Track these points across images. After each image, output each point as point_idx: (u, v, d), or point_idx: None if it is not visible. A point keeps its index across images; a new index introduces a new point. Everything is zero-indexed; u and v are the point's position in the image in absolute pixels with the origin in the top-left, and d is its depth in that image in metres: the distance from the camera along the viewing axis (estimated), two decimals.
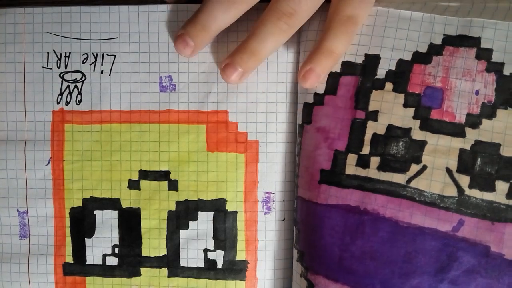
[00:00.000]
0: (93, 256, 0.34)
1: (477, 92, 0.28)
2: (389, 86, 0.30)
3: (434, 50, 0.29)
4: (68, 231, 0.34)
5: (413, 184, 0.29)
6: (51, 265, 0.34)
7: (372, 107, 0.30)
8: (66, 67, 0.33)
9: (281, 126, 0.33)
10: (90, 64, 0.33)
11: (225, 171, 0.33)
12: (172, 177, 0.33)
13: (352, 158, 0.30)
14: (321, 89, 0.31)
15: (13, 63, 0.33)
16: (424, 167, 0.29)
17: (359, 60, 0.30)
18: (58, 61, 0.33)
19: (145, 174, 0.33)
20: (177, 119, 0.33)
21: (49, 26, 0.33)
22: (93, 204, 0.34)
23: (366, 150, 0.29)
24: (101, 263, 0.34)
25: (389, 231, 0.29)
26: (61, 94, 0.33)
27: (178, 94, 0.33)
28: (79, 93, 0.33)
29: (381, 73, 0.30)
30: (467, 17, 0.29)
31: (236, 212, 0.33)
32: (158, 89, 0.33)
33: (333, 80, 0.31)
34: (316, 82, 0.30)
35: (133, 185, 0.33)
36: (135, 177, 0.33)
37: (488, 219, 0.28)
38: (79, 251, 0.34)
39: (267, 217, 0.33)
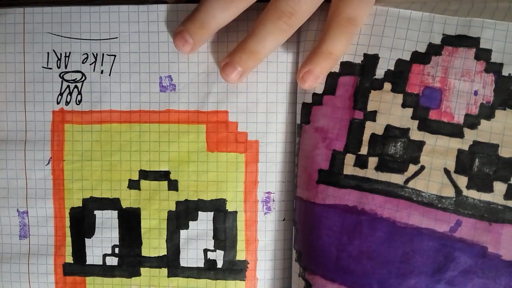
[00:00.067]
0: (93, 256, 0.34)
1: (475, 93, 0.28)
2: (387, 86, 0.30)
3: (433, 50, 0.29)
4: (68, 231, 0.34)
5: (411, 184, 0.29)
6: (51, 265, 0.34)
7: (370, 107, 0.30)
8: (66, 67, 0.33)
9: (281, 126, 0.33)
10: (90, 64, 0.33)
11: (225, 171, 0.33)
12: (172, 177, 0.33)
13: (350, 158, 0.30)
14: (319, 89, 0.31)
15: (13, 63, 0.33)
16: (422, 168, 0.29)
17: (358, 60, 0.30)
18: (58, 61, 0.33)
19: (145, 174, 0.33)
20: (177, 119, 0.33)
21: (49, 26, 0.33)
22: (93, 204, 0.34)
23: (364, 150, 0.30)
24: (101, 263, 0.34)
25: (386, 231, 0.29)
26: (61, 94, 0.33)
27: (178, 94, 0.33)
28: (79, 93, 0.33)
29: (379, 73, 0.30)
30: (467, 17, 0.29)
31: (236, 212, 0.33)
32: (158, 89, 0.33)
33: (332, 80, 0.31)
34: (315, 83, 0.30)
35: (133, 185, 0.33)
36: (135, 177, 0.33)
37: (485, 219, 0.28)
38: (79, 251, 0.34)
39: (267, 217, 0.33)
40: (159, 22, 0.33)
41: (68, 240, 0.34)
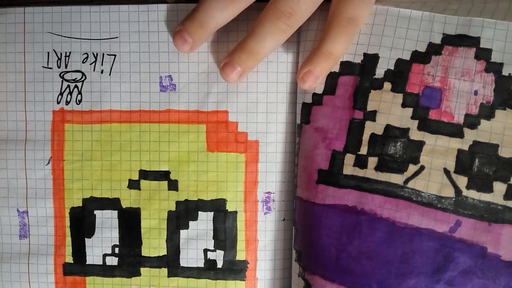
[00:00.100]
0: (93, 256, 0.34)
1: (475, 93, 0.28)
2: (387, 86, 0.30)
3: (433, 49, 0.29)
4: (68, 231, 0.34)
5: (410, 184, 0.29)
6: (51, 265, 0.34)
7: (370, 107, 0.30)
8: (66, 67, 0.33)
9: (281, 126, 0.33)
10: (90, 64, 0.33)
11: (225, 171, 0.33)
12: (172, 177, 0.33)
13: (349, 158, 0.30)
14: (319, 89, 0.31)
15: (14, 62, 0.33)
16: (422, 168, 0.29)
17: (358, 59, 0.30)
18: (58, 61, 0.33)
19: (145, 174, 0.33)
20: (177, 119, 0.33)
21: (49, 26, 0.33)
22: (93, 204, 0.34)
23: (364, 150, 0.29)
24: (101, 263, 0.34)
25: (386, 231, 0.29)
26: (61, 93, 0.33)
27: (178, 94, 0.33)
28: (79, 92, 0.33)
29: (379, 72, 0.30)
30: (467, 16, 0.29)
31: (236, 212, 0.33)
32: (158, 89, 0.33)
33: (331, 80, 0.31)
34: (315, 84, 0.30)
35: (133, 185, 0.33)
36: (135, 177, 0.33)
37: (485, 220, 0.28)
38: (79, 251, 0.34)
39: (267, 217, 0.33)
40: (159, 21, 0.33)
41: (68, 240, 0.34)
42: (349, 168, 0.30)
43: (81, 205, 0.34)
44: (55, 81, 0.33)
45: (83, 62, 0.33)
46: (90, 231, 0.34)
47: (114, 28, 0.33)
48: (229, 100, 0.33)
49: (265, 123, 0.33)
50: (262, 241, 0.33)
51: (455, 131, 0.28)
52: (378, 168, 0.29)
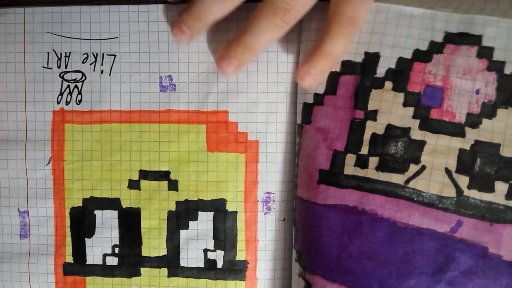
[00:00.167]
0: (93, 256, 0.34)
1: (477, 91, 0.28)
2: (388, 85, 0.29)
3: (435, 48, 0.29)
4: (68, 231, 0.34)
5: (411, 184, 0.28)
6: (51, 265, 0.34)
7: (371, 106, 0.29)
8: (66, 67, 0.33)
9: (281, 126, 0.33)
10: (90, 64, 0.33)
11: (225, 171, 0.33)
12: (172, 177, 0.33)
13: (350, 158, 0.30)
14: (321, 89, 0.31)
15: (14, 63, 0.34)
16: (423, 167, 0.28)
17: (359, 58, 0.30)
18: (58, 61, 0.33)
19: (145, 174, 0.33)
20: (177, 119, 0.33)
21: (49, 26, 0.33)
22: (93, 204, 0.34)
23: (365, 150, 0.29)
24: (101, 263, 0.34)
25: (387, 231, 0.28)
26: (61, 94, 0.34)
27: (178, 94, 0.33)
28: (79, 93, 0.33)
29: (380, 71, 0.30)
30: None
31: (236, 212, 0.33)
32: (158, 89, 0.33)
33: (332, 80, 0.30)
34: (314, 83, 0.30)
35: (133, 185, 0.33)
36: (135, 177, 0.33)
37: (486, 220, 0.27)
38: (79, 251, 0.34)
39: (267, 217, 0.33)
40: (159, 22, 0.33)
41: (68, 240, 0.34)
42: (350, 168, 0.29)
43: (81, 205, 0.34)
44: (55, 81, 0.33)
45: (83, 62, 0.33)
46: (90, 231, 0.34)
47: (114, 28, 0.33)
48: (229, 100, 0.33)
49: (265, 123, 0.33)
50: (262, 241, 0.33)
51: (456, 130, 0.28)
52: (379, 168, 0.29)
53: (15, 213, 0.34)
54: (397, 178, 0.29)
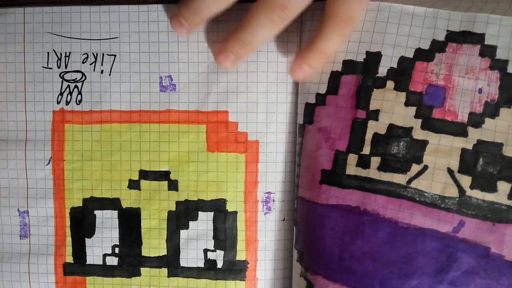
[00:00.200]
0: (93, 256, 0.34)
1: (480, 91, 0.28)
2: (390, 84, 0.29)
3: (437, 46, 0.29)
4: (68, 231, 0.34)
5: (413, 184, 0.28)
6: (52, 265, 0.34)
7: (373, 106, 0.29)
8: (66, 67, 0.33)
9: (281, 126, 0.33)
10: (90, 64, 0.33)
11: (225, 171, 0.33)
12: (172, 177, 0.33)
13: (352, 158, 0.29)
14: (322, 89, 0.31)
15: (14, 63, 0.33)
16: (425, 167, 0.28)
17: (360, 58, 0.30)
18: (58, 61, 0.33)
19: (145, 174, 0.33)
20: (177, 119, 0.33)
21: (49, 26, 0.33)
22: (93, 204, 0.34)
23: (366, 150, 0.29)
24: (101, 263, 0.34)
25: (389, 231, 0.28)
26: (61, 94, 0.33)
27: (178, 94, 0.33)
28: (79, 93, 0.33)
29: (382, 71, 0.29)
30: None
31: (236, 212, 0.33)
32: (158, 89, 0.33)
33: (334, 79, 0.30)
34: (305, 77, 0.30)
35: (133, 185, 0.33)
36: (135, 177, 0.33)
37: (489, 220, 0.27)
38: (79, 251, 0.34)
39: (267, 217, 0.33)
40: (159, 22, 0.33)
41: (69, 240, 0.34)
42: (352, 168, 0.29)
43: (81, 205, 0.34)
44: (55, 81, 0.33)
45: (83, 62, 0.33)
46: (90, 231, 0.34)
47: (114, 28, 0.33)
48: (229, 100, 0.33)
49: (265, 123, 0.32)
50: (262, 241, 0.33)
51: (459, 130, 0.28)
52: (381, 168, 0.29)
53: (15, 213, 0.34)
54: (399, 178, 0.28)
